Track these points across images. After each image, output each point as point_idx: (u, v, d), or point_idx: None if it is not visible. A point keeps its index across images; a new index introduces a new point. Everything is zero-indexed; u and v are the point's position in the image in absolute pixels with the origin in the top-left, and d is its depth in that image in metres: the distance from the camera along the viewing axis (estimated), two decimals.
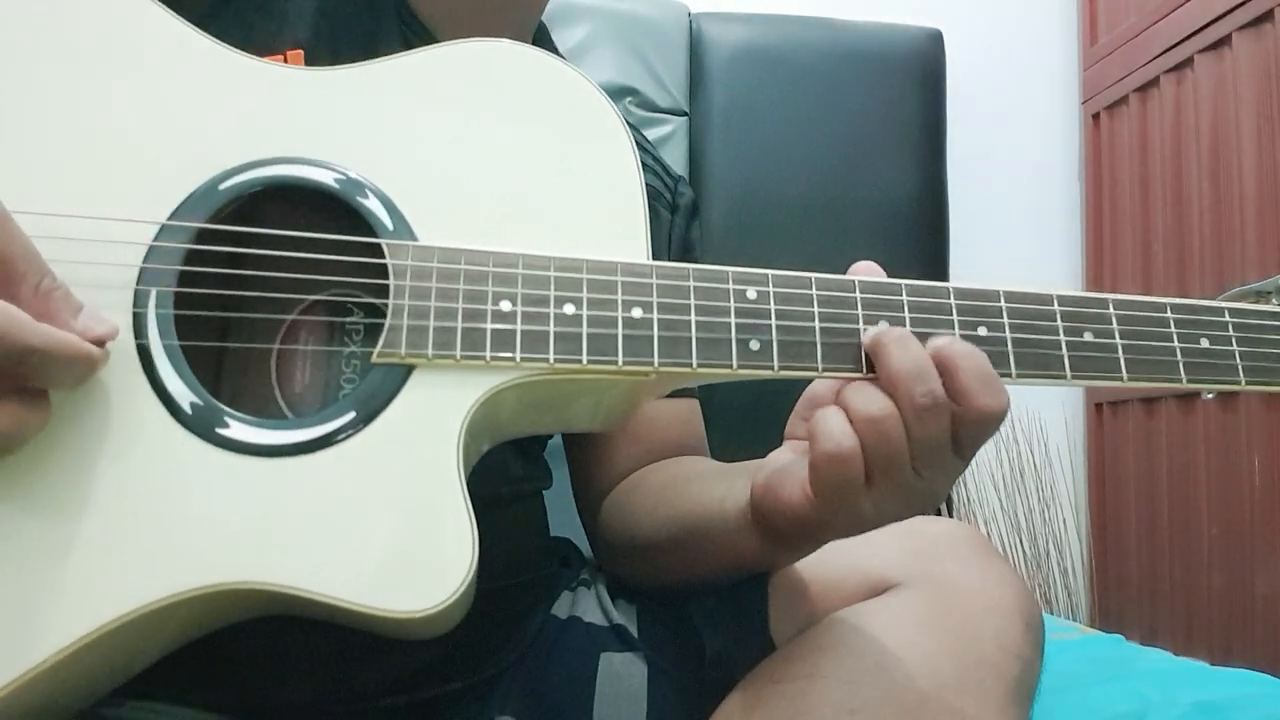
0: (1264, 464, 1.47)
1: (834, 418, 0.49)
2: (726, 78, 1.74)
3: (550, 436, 0.81)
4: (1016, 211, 1.96)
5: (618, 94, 1.67)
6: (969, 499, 1.81)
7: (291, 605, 0.47)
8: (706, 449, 0.79)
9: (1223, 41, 1.59)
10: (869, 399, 0.49)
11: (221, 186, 0.51)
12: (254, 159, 0.52)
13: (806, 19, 1.80)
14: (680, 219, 0.80)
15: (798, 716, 0.56)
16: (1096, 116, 1.94)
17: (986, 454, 1.84)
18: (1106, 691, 0.96)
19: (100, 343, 0.45)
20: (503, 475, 0.69)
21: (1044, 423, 1.87)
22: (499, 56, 0.56)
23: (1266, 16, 1.50)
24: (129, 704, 0.57)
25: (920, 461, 0.49)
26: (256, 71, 0.54)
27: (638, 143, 0.80)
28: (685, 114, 1.74)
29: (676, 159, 1.70)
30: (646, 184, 0.77)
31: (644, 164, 0.79)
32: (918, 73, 1.80)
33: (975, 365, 0.49)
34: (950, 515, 1.61)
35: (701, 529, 0.63)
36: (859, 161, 1.74)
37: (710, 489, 0.63)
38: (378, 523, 0.47)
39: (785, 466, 0.54)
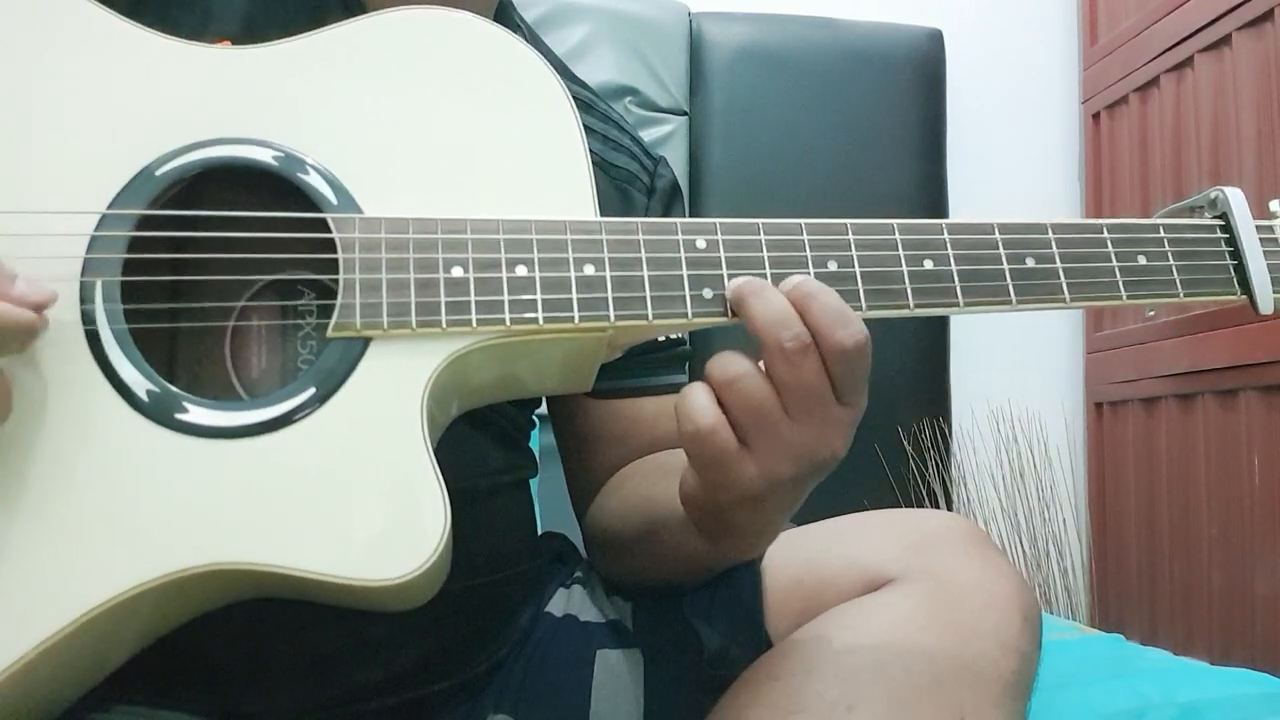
0: (1264, 464, 1.47)
1: (695, 394, 0.49)
2: (726, 78, 1.74)
3: (533, 425, 0.80)
4: (1016, 211, 1.94)
5: (618, 94, 1.67)
6: (969, 499, 1.81)
7: (264, 583, 0.47)
8: None
9: (1223, 41, 1.59)
10: (724, 364, 0.49)
11: (159, 172, 0.50)
12: (190, 142, 0.51)
13: (807, 19, 1.80)
14: (657, 202, 0.79)
15: (795, 713, 0.56)
16: (1096, 116, 1.94)
17: (987, 454, 1.84)
18: (1106, 690, 0.96)
19: (39, 309, 0.44)
20: (480, 467, 0.68)
21: (1044, 423, 1.87)
22: (433, 23, 0.55)
23: (1266, 16, 1.50)
24: (116, 708, 0.57)
25: (796, 410, 0.49)
26: (186, 54, 0.53)
27: (614, 121, 0.80)
28: (685, 114, 1.74)
29: (677, 159, 1.70)
30: (621, 166, 0.77)
31: (620, 145, 0.78)
32: (918, 73, 1.80)
33: (824, 302, 0.49)
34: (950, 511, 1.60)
35: (660, 526, 0.62)
36: (859, 161, 1.74)
37: (670, 485, 0.63)
38: (346, 493, 0.47)
39: None
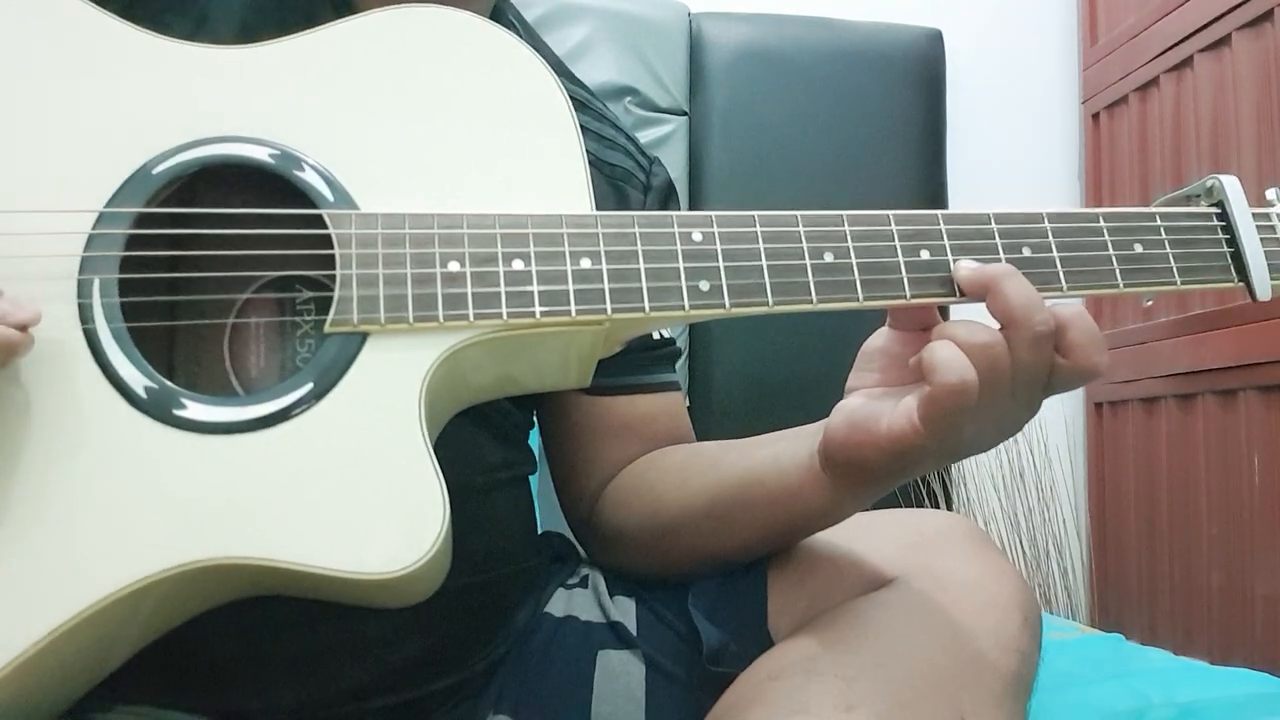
0: (1264, 464, 1.47)
1: (948, 350, 0.50)
2: (726, 78, 1.74)
3: (532, 424, 0.80)
4: None
5: (618, 94, 1.67)
6: (969, 499, 1.81)
7: (265, 578, 0.47)
8: (694, 440, 0.79)
9: (1223, 41, 1.59)
10: (974, 329, 0.51)
11: (156, 170, 0.50)
12: (187, 140, 0.51)
13: (806, 19, 1.80)
14: (654, 199, 0.80)
15: (795, 712, 0.55)
16: (1096, 116, 1.94)
17: (986, 454, 1.83)
18: (1106, 690, 0.96)
19: (22, 328, 0.44)
20: (478, 463, 0.69)
21: (1044, 423, 1.87)
22: (426, 20, 0.55)
23: (1266, 16, 1.50)
24: (117, 708, 0.57)
25: (1019, 386, 0.52)
26: (182, 53, 0.53)
27: (610, 120, 0.81)
28: (685, 114, 1.74)
29: (676, 159, 1.70)
30: (617, 165, 0.78)
31: (615, 143, 0.79)
32: (918, 73, 1.80)
33: (1087, 324, 0.52)
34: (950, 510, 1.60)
35: (752, 491, 0.63)
36: (859, 161, 1.74)
37: (754, 452, 0.64)
38: (345, 488, 0.47)
39: (870, 408, 0.55)
